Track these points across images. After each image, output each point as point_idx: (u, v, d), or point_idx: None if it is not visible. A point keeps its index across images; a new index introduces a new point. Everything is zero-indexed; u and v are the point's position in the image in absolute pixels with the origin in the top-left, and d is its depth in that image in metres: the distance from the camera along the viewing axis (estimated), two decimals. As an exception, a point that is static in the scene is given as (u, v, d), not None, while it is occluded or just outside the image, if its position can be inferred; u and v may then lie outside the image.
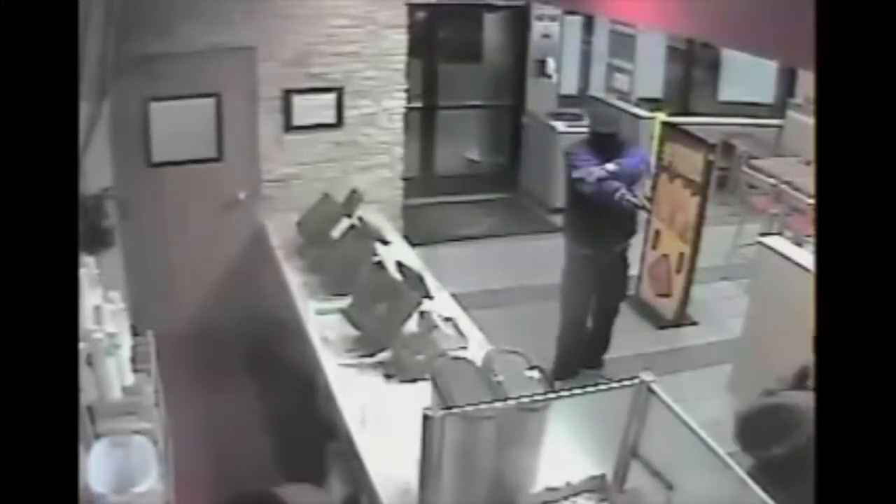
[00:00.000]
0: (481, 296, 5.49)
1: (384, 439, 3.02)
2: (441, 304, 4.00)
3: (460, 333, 3.80)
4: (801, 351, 2.27)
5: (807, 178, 6.04)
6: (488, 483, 2.61)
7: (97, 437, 2.91)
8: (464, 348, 3.57)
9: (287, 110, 5.21)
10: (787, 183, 6.44)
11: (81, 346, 2.85)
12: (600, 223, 4.72)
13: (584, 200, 4.68)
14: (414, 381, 3.33)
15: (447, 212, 7.60)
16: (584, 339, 5.06)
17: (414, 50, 5.86)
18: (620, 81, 8.51)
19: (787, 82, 8.38)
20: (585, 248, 4.81)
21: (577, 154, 4.76)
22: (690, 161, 5.60)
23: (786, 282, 4.20)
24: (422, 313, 3.72)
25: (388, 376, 3.45)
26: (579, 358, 5.03)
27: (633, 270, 6.04)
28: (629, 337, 5.59)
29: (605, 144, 4.71)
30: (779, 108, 8.43)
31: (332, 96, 5.31)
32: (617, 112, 6.08)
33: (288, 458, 4.16)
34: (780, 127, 8.27)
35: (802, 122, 7.46)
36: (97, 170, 4.33)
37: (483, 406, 2.47)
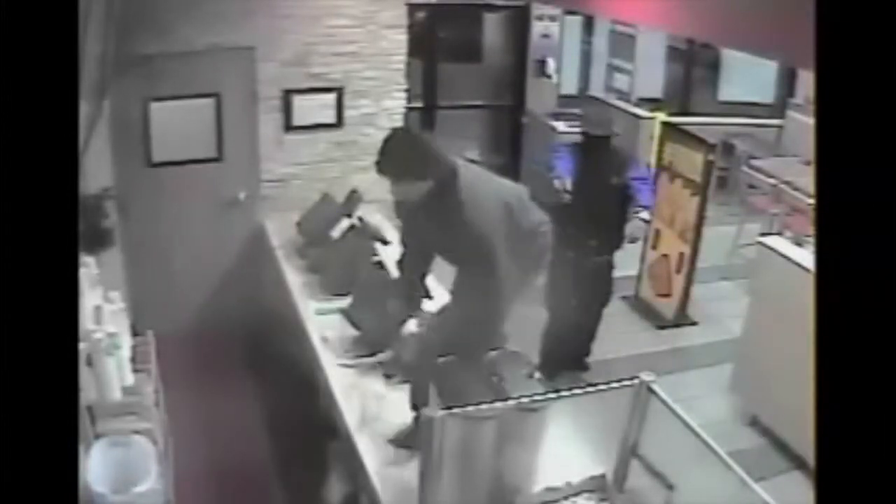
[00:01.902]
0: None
1: (384, 439, 3.02)
2: (441, 304, 3.99)
3: (460, 333, 3.80)
4: (801, 351, 2.27)
5: (807, 178, 6.05)
6: (488, 483, 2.61)
7: (97, 437, 2.90)
8: (464, 348, 3.57)
9: (287, 110, 5.20)
10: (787, 183, 6.45)
11: (81, 346, 2.85)
12: (583, 230, 4.65)
13: (567, 206, 4.63)
14: (414, 381, 3.33)
15: (447, 212, 7.59)
16: (567, 338, 4.99)
17: (414, 50, 5.86)
18: (620, 81, 8.52)
19: (787, 82, 8.39)
20: (568, 250, 4.71)
21: (561, 158, 4.84)
22: (690, 161, 5.60)
23: (786, 282, 4.20)
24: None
25: (388, 376, 3.45)
26: (563, 358, 4.97)
27: (633, 271, 6.06)
28: (629, 337, 5.59)
29: (597, 148, 4.62)
30: (779, 108, 8.44)
31: (332, 96, 5.30)
32: (610, 113, 5.80)
33: (288, 458, 4.16)
34: (780, 127, 8.27)
35: (802, 122, 7.47)
36: (97, 170, 4.33)
37: (483, 406, 2.47)
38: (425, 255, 3.18)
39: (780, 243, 4.56)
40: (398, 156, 2.75)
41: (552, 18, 7.73)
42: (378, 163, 2.77)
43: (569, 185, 4.55)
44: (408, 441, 2.91)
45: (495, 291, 2.77)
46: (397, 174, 2.75)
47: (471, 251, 2.75)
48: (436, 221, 2.81)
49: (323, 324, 3.89)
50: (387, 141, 2.81)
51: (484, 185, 2.90)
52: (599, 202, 4.64)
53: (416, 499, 2.51)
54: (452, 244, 2.83)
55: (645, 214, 4.96)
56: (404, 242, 3.31)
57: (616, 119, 5.23)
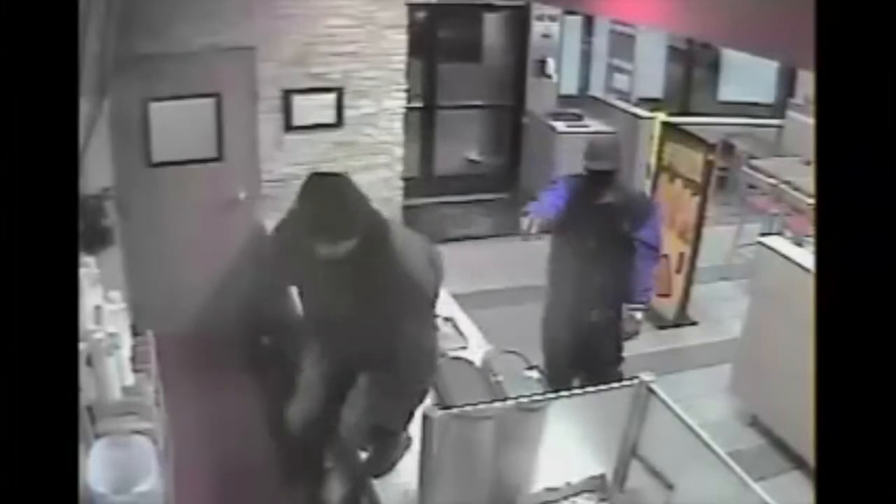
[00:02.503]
0: (481, 296, 5.49)
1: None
2: (441, 304, 3.99)
3: (460, 333, 3.80)
4: (801, 351, 2.27)
5: (807, 178, 6.04)
6: (488, 483, 2.62)
7: (97, 437, 2.90)
8: (464, 348, 3.57)
9: (287, 110, 5.21)
10: (787, 183, 6.45)
11: (81, 346, 2.85)
12: (571, 281, 4.04)
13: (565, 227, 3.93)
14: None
15: (447, 212, 7.60)
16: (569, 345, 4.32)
17: (414, 50, 5.86)
18: (620, 81, 8.51)
19: (787, 82, 8.39)
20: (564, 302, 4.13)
21: (556, 188, 4.03)
22: (690, 161, 5.60)
23: (786, 282, 4.20)
24: (422, 313, 3.71)
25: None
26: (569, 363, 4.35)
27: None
28: (629, 337, 5.59)
29: (594, 186, 3.87)
30: (779, 108, 8.44)
31: (332, 96, 5.31)
32: (615, 142, 4.36)
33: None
34: (780, 127, 8.27)
35: (802, 122, 7.46)
36: (97, 170, 4.33)
37: (483, 406, 2.47)
38: (347, 332, 2.65)
39: (780, 243, 4.57)
40: (323, 209, 2.35)
41: (552, 18, 7.72)
42: (296, 219, 2.38)
43: (536, 225, 3.72)
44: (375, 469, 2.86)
45: (433, 339, 2.59)
46: (324, 232, 2.33)
47: (407, 305, 2.48)
48: (359, 280, 2.43)
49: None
50: (308, 193, 2.41)
51: (408, 235, 2.69)
52: (588, 252, 3.90)
53: (416, 499, 2.51)
54: (379, 303, 2.46)
55: (639, 315, 4.02)
56: (313, 318, 2.80)
57: (621, 148, 4.24)
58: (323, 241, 2.34)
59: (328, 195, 2.40)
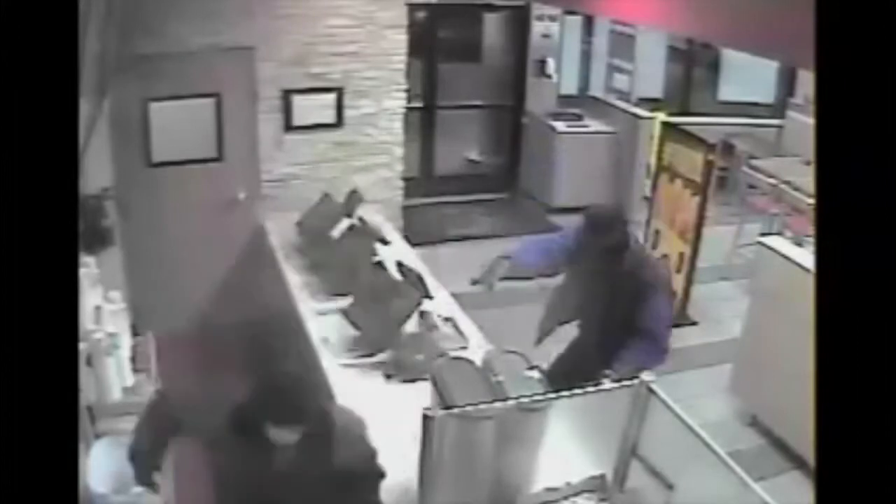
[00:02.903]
0: (481, 296, 5.48)
1: (384, 439, 3.02)
2: (441, 304, 3.99)
3: (460, 333, 3.80)
4: (801, 351, 2.27)
5: (807, 178, 6.05)
6: (488, 483, 2.61)
7: (97, 437, 2.91)
8: (464, 348, 3.57)
9: (287, 110, 5.21)
10: (787, 183, 6.45)
11: (81, 346, 2.85)
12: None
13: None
14: (414, 381, 3.33)
15: (447, 212, 7.60)
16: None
17: (414, 50, 5.86)
18: (620, 81, 8.52)
19: (787, 82, 8.39)
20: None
21: (557, 238, 3.74)
22: (690, 161, 5.60)
23: (786, 282, 4.20)
24: (422, 313, 3.71)
25: (388, 376, 3.45)
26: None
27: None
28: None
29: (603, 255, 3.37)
30: (779, 108, 8.44)
31: (332, 96, 5.31)
32: (615, 215, 3.55)
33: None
34: (780, 127, 8.28)
35: (802, 122, 7.47)
36: (97, 170, 4.33)
37: (483, 406, 2.47)
38: None
39: (780, 243, 4.57)
40: (283, 395, 2.49)
41: (552, 18, 7.73)
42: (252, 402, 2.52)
43: (503, 270, 3.52)
44: None
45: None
46: (278, 415, 2.46)
47: (350, 487, 2.56)
48: (303, 466, 2.52)
49: (323, 324, 3.88)
50: (268, 381, 2.58)
51: (351, 419, 2.69)
52: (582, 314, 3.68)
53: (416, 499, 2.51)
54: (323, 486, 2.53)
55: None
56: None
57: (624, 216, 3.64)
58: (275, 425, 2.45)
59: (288, 384, 2.53)
